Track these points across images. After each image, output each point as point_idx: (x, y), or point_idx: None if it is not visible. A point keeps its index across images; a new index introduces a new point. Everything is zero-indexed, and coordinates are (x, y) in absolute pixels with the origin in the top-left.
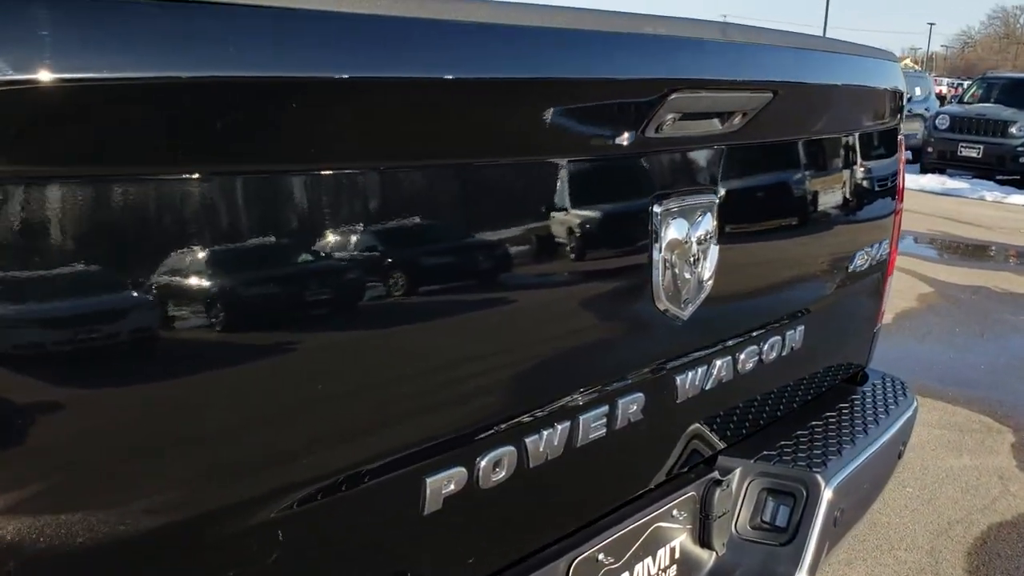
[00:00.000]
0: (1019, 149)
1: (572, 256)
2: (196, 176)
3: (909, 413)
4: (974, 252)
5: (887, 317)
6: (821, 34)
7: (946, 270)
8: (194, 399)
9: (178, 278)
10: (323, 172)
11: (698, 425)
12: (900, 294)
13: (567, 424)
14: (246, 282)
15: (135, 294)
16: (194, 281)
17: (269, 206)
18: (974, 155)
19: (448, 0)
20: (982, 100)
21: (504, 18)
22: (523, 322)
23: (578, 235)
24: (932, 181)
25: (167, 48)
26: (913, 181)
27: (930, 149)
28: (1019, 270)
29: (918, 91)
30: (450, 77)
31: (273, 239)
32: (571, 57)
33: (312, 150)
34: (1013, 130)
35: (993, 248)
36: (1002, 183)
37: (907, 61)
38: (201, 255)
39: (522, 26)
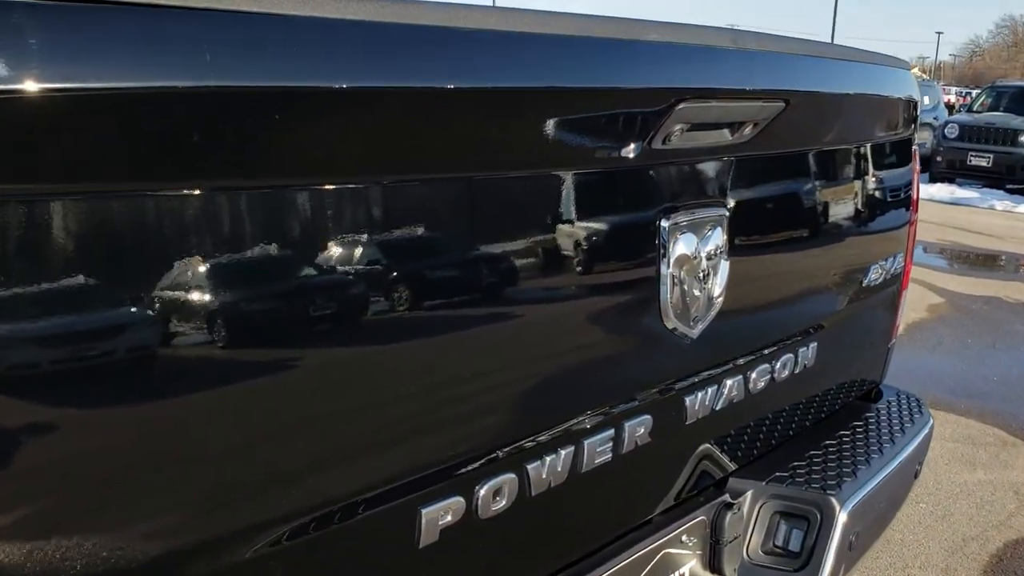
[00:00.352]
0: None
1: (576, 273)
2: (173, 192)
3: (925, 431)
4: (985, 262)
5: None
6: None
7: (957, 280)
8: (179, 429)
9: (147, 309)
10: (311, 187)
11: (708, 446)
12: (911, 304)
13: (571, 449)
14: (225, 308)
15: (107, 318)
16: (160, 314)
17: (246, 228)
18: (984, 164)
19: (445, 6)
20: (991, 109)
21: (504, 25)
22: (525, 342)
23: (582, 251)
24: (941, 191)
25: (128, 56)
26: (922, 190)
27: (939, 158)
28: None
29: (927, 100)
30: (448, 87)
31: (245, 265)
32: (573, 65)
33: (299, 164)
34: (1023, 139)
35: (1004, 258)
36: (1012, 192)
37: (915, 70)
38: (169, 284)
39: (522, 33)
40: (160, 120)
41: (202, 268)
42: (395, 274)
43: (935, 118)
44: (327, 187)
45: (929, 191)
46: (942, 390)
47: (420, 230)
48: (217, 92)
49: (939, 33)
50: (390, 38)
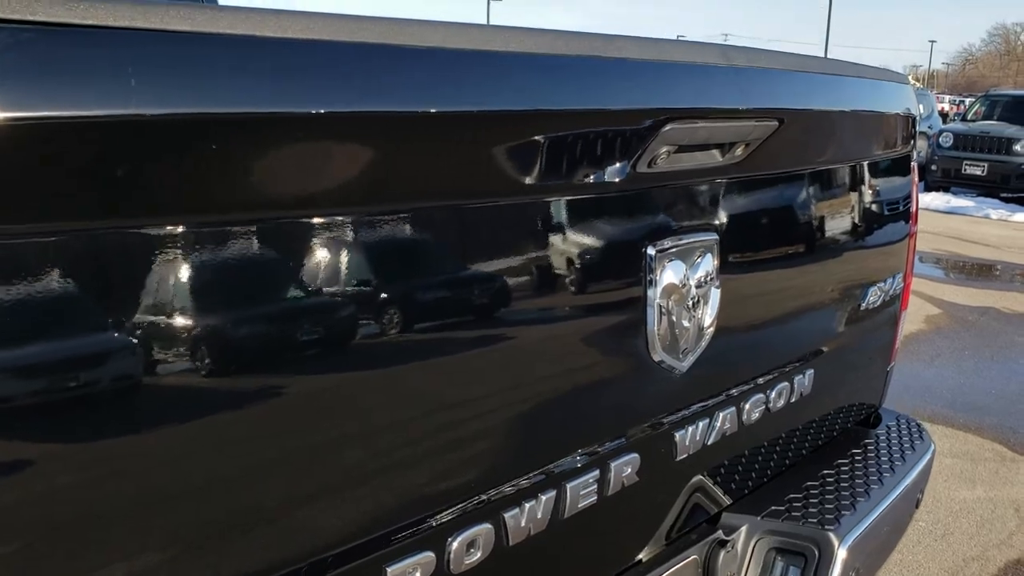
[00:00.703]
0: (1023, 167)
1: (557, 305)
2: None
3: (927, 458)
4: (981, 272)
5: None
6: (823, 52)
7: (953, 290)
8: (128, 481)
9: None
10: (260, 224)
11: (700, 481)
12: (908, 316)
13: (552, 494)
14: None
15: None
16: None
17: (171, 271)
18: (978, 173)
19: (405, 23)
20: (985, 117)
21: (471, 43)
22: (502, 380)
23: (563, 282)
24: (937, 199)
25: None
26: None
27: (934, 167)
28: None
29: (921, 109)
30: (411, 111)
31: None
32: (549, 87)
33: (239, 200)
34: (1017, 147)
35: (1000, 268)
36: (1007, 201)
37: (910, 78)
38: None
39: (492, 52)
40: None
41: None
42: (363, 309)
43: (929, 127)
44: (275, 223)
45: (924, 200)
46: (940, 404)
47: (389, 263)
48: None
49: (932, 42)
50: (335, 58)
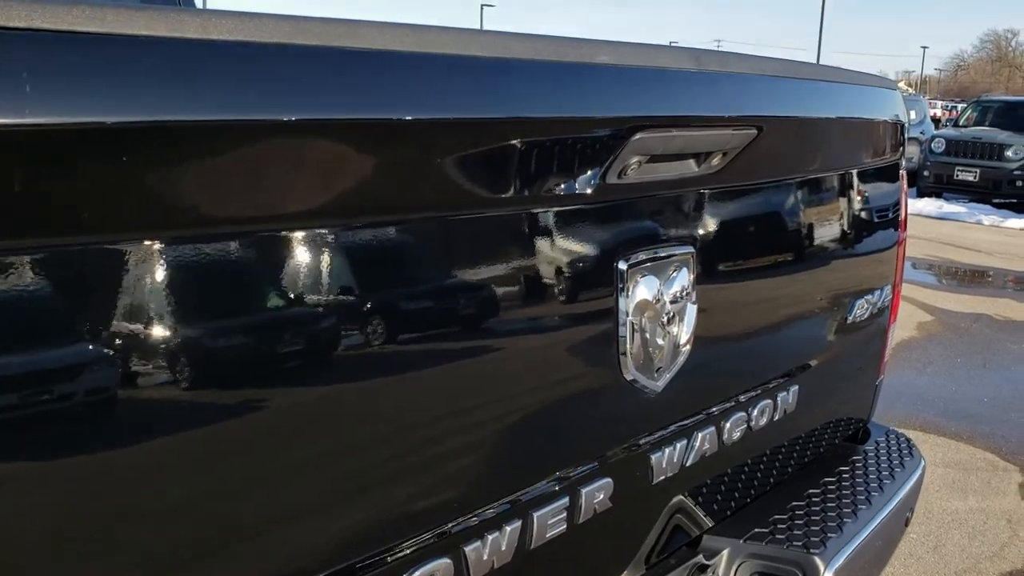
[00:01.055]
0: (1015, 173)
1: (522, 325)
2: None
3: (916, 475)
4: (973, 278)
5: None
6: (815, 58)
7: (945, 297)
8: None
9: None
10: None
11: (679, 502)
12: (899, 323)
13: (517, 524)
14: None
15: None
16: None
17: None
18: (970, 179)
19: (346, 23)
20: (977, 123)
21: (423, 46)
22: (464, 403)
23: (529, 300)
24: (929, 205)
25: None
26: (910, 205)
27: (926, 173)
28: (1019, 296)
29: (913, 115)
30: (354, 117)
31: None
32: (511, 93)
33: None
34: (1009, 153)
35: (992, 273)
36: (999, 207)
37: (902, 84)
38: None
39: (448, 55)
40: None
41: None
42: (299, 328)
43: (922, 132)
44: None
45: (916, 206)
46: (932, 412)
47: (339, 282)
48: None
49: (924, 47)
50: (260, 62)
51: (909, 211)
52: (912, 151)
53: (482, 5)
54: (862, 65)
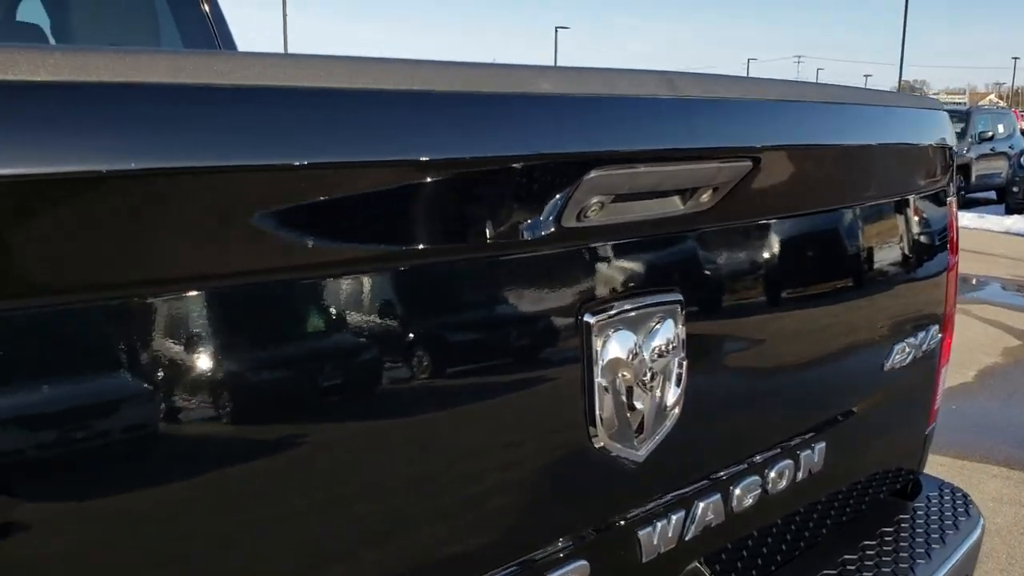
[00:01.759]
0: None
1: (474, 389)
2: None
3: (973, 538)
4: None
5: (968, 374)
6: (897, 72)
7: None
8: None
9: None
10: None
11: None
12: (984, 348)
13: None
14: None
15: None
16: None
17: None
18: None
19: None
20: None
21: (302, 79)
22: (410, 481)
23: (481, 361)
24: (1019, 222)
25: None
26: (997, 223)
27: (1015, 188)
28: None
29: (1001, 128)
30: (272, 163)
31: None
32: (431, 129)
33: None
34: None
35: None
36: None
37: (991, 96)
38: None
39: (371, 91)
40: None
41: None
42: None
43: (1010, 147)
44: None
45: (1005, 223)
46: (1017, 446)
47: (263, 339)
48: None
49: (1016, 58)
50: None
51: (997, 229)
52: (1001, 166)
53: (556, 28)
54: (947, 78)
